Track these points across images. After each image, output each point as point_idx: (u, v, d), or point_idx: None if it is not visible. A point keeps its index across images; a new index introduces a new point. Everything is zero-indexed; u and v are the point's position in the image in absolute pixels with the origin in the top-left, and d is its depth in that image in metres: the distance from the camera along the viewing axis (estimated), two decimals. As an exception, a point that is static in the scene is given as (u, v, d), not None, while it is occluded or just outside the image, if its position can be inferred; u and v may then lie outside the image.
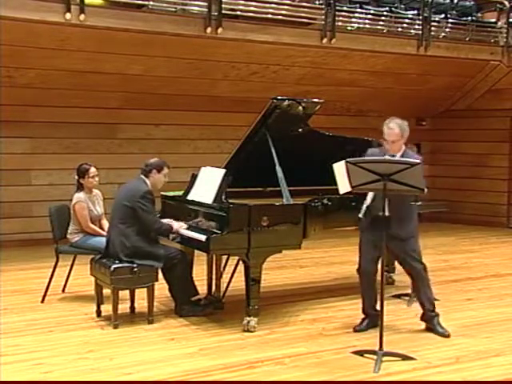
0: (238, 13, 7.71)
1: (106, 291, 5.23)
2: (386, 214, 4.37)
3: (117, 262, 5.05)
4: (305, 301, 5.83)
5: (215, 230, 4.90)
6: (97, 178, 5.85)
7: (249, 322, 4.91)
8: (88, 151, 8.53)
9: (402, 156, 4.69)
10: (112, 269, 4.97)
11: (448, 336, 4.80)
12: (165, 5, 7.30)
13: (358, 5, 8.58)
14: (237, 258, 5.29)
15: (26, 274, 6.88)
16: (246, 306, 4.93)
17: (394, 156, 4.66)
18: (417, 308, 5.06)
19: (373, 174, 4.25)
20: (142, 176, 5.27)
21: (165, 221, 5.26)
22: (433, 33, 8.98)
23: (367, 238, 4.84)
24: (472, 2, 9.70)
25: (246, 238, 4.81)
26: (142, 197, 5.09)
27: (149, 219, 5.10)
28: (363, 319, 5.00)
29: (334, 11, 8.13)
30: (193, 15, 7.44)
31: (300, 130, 5.62)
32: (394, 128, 4.69)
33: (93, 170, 5.82)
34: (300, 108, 5.41)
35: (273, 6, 7.84)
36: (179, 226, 5.19)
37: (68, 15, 6.64)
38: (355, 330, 4.92)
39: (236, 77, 8.66)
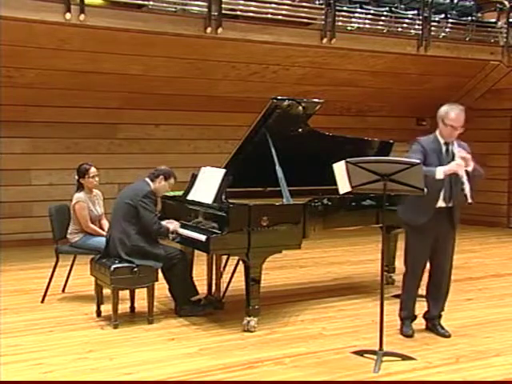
0: (238, 13, 7.70)
1: (106, 291, 5.23)
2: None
3: (117, 261, 5.05)
4: (305, 301, 5.83)
5: (215, 230, 4.90)
6: (97, 178, 5.85)
7: (249, 321, 4.91)
8: (88, 151, 8.53)
9: (458, 145, 4.65)
10: (112, 269, 4.97)
11: (449, 336, 4.80)
12: (165, 5, 7.30)
13: (357, 5, 8.58)
14: (237, 257, 5.29)
15: (25, 274, 6.88)
16: (245, 306, 4.93)
17: (445, 144, 4.63)
18: (417, 308, 5.04)
19: (373, 174, 4.25)
20: (148, 179, 5.29)
21: (163, 222, 5.26)
22: (433, 33, 8.98)
23: (425, 235, 4.68)
24: (472, 2, 9.70)
25: (246, 238, 4.81)
26: (144, 196, 5.12)
27: (149, 219, 5.10)
28: (410, 321, 4.90)
29: (334, 11, 8.13)
30: (193, 15, 7.44)
31: (300, 129, 5.61)
32: (463, 113, 4.64)
33: (93, 169, 5.82)
34: (300, 108, 5.41)
35: (273, 5, 7.84)
36: (174, 227, 5.21)
37: (68, 15, 6.64)
38: (407, 336, 4.80)
39: (236, 77, 8.66)
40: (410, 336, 4.80)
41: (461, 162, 4.48)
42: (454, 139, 4.67)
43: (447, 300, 4.92)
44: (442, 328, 4.86)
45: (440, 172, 4.49)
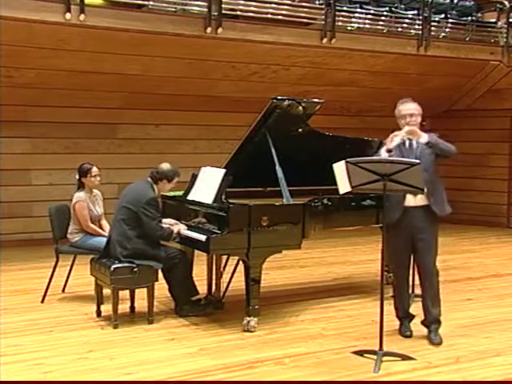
0: (238, 13, 7.71)
1: (106, 291, 5.23)
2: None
3: (117, 261, 5.05)
4: (305, 301, 5.83)
5: (215, 230, 4.90)
6: (98, 178, 5.84)
7: (249, 321, 4.91)
8: (88, 151, 8.53)
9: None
10: (112, 269, 4.97)
11: (438, 344, 4.63)
12: (165, 5, 7.30)
13: (357, 5, 8.58)
14: (237, 257, 5.29)
15: (25, 274, 6.88)
16: (246, 306, 4.93)
17: (412, 139, 4.61)
18: (417, 308, 5.04)
19: (373, 174, 4.25)
20: (151, 180, 5.25)
21: (165, 221, 5.25)
22: (433, 33, 8.98)
23: (399, 232, 4.64)
24: (472, 2, 9.70)
25: (246, 238, 4.81)
26: (147, 203, 5.06)
27: (152, 226, 5.08)
28: (408, 321, 4.86)
29: (334, 11, 8.13)
30: (193, 15, 7.43)
31: (300, 129, 5.62)
32: (410, 102, 4.66)
33: (95, 169, 5.81)
34: (300, 108, 5.41)
35: (273, 5, 7.84)
36: (179, 229, 5.20)
37: (68, 15, 6.64)
38: (405, 336, 4.77)
39: (236, 77, 8.66)
40: (409, 336, 4.79)
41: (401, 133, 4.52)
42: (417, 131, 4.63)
43: (440, 302, 4.75)
44: (435, 335, 4.68)
45: (383, 151, 4.52)
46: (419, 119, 4.68)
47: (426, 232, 4.64)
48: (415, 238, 4.66)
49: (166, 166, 5.31)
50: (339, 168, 4.35)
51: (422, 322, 4.83)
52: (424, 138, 4.52)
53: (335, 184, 4.47)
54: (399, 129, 4.64)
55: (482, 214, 10.57)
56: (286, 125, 5.46)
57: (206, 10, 7.37)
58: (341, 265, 7.54)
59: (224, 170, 5.20)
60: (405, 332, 4.82)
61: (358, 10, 8.54)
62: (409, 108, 4.66)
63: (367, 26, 8.54)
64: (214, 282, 5.67)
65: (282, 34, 7.91)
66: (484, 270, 7.30)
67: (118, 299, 5.01)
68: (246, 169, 5.37)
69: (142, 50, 7.62)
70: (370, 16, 8.58)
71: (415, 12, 8.97)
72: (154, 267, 5.10)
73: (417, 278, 4.97)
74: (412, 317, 4.91)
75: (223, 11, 7.47)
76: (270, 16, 7.81)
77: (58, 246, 5.77)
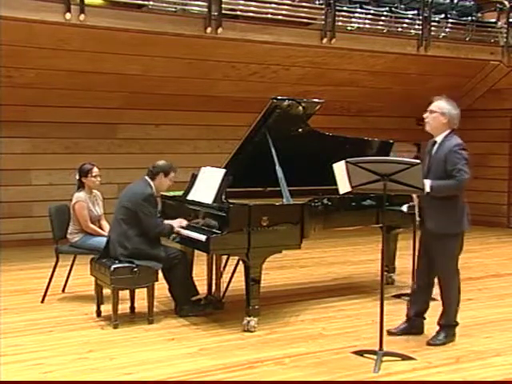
0: (238, 13, 7.71)
1: (106, 291, 5.23)
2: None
3: (117, 261, 5.05)
4: (305, 301, 5.83)
5: (215, 230, 4.90)
6: (99, 178, 5.84)
7: (249, 321, 4.91)
8: (88, 151, 8.53)
9: (445, 139, 4.57)
10: (112, 269, 4.96)
11: (434, 345, 4.63)
12: (165, 5, 7.30)
13: (357, 5, 8.58)
14: (237, 257, 5.29)
15: (25, 274, 6.88)
16: (246, 306, 4.93)
17: (435, 142, 4.59)
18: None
19: (373, 174, 4.25)
20: (148, 178, 5.25)
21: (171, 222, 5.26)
22: (433, 33, 8.99)
23: (422, 234, 4.72)
24: (472, 2, 9.71)
25: (246, 238, 4.81)
26: (144, 200, 5.07)
27: (150, 223, 5.09)
28: (405, 321, 4.86)
29: (334, 11, 8.13)
30: (193, 15, 7.44)
31: (300, 129, 5.62)
32: (437, 100, 4.63)
33: (96, 169, 5.81)
34: (300, 108, 5.41)
35: (273, 5, 7.84)
36: (179, 224, 5.20)
37: (68, 15, 6.65)
38: (389, 333, 4.74)
39: (236, 77, 8.66)
40: (391, 334, 4.74)
41: None
42: (443, 134, 4.62)
43: (453, 310, 4.72)
44: (439, 338, 4.67)
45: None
46: (442, 119, 4.58)
47: (437, 237, 4.60)
48: (428, 244, 4.65)
49: (161, 162, 5.32)
50: (339, 168, 4.35)
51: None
52: (426, 188, 4.40)
53: (335, 184, 4.47)
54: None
55: (482, 214, 10.54)
56: (286, 125, 5.47)
57: (206, 10, 7.38)
58: (341, 265, 7.54)
59: (224, 170, 5.19)
60: (394, 329, 4.80)
61: (358, 10, 8.55)
62: (432, 105, 4.64)
63: (367, 26, 8.55)
64: (214, 281, 5.67)
65: (282, 34, 7.91)
66: (484, 270, 7.30)
67: (117, 299, 5.01)
68: (246, 169, 5.37)
69: (142, 50, 7.62)
70: (369, 16, 8.59)
71: (415, 12, 8.98)
72: (154, 267, 5.10)
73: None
74: (408, 319, 4.85)
75: (223, 11, 7.47)
76: (270, 16, 7.82)
77: (58, 246, 5.76)
